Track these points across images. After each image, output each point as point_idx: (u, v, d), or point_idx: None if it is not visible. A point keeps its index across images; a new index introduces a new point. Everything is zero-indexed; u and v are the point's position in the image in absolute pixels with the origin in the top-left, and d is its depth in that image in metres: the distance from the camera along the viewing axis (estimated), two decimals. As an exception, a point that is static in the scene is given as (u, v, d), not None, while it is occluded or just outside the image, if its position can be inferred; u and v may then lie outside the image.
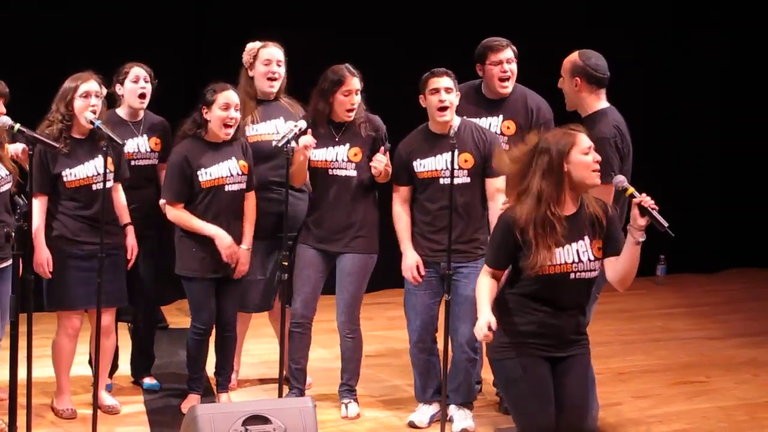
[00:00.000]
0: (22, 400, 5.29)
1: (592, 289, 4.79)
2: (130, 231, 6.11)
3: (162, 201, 6.10)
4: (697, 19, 9.64)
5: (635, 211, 4.56)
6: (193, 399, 6.18)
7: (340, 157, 6.08)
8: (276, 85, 6.35)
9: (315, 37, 8.04)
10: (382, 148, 6.02)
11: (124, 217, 6.12)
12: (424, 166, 5.96)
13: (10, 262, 5.55)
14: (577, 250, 4.63)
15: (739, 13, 9.71)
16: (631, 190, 4.65)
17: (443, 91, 5.84)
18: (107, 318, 5.96)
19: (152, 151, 6.38)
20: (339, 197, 6.09)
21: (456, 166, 5.88)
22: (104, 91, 6.05)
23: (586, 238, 4.65)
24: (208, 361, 6.33)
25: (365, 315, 6.41)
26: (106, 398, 6.21)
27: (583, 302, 4.75)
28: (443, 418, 5.78)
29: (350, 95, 6.03)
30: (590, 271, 4.67)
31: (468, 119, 6.05)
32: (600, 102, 5.57)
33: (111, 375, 6.52)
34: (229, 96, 5.99)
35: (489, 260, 4.77)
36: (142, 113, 6.37)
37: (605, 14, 9.21)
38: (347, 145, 6.08)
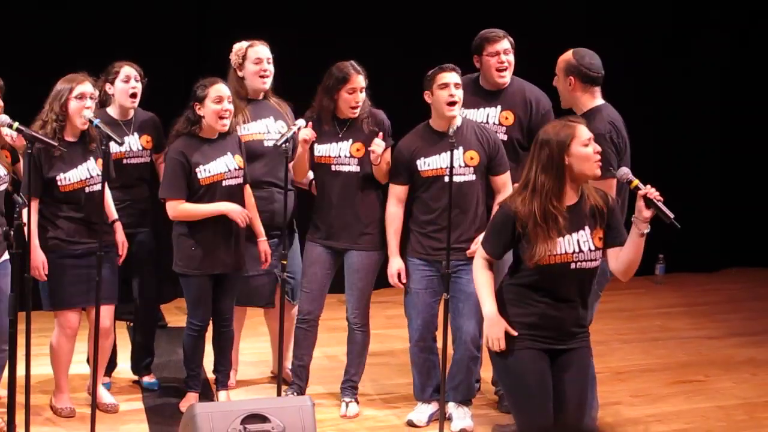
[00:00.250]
0: (20, 398, 5.29)
1: (593, 280, 4.78)
2: (119, 227, 6.11)
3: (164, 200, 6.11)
4: (697, 19, 9.63)
5: (640, 203, 4.57)
6: (191, 397, 6.19)
7: (343, 153, 6.08)
8: (268, 82, 6.36)
9: (315, 37, 8.04)
10: (381, 133, 6.01)
11: (112, 214, 6.12)
12: (428, 164, 5.95)
13: (5, 257, 5.57)
14: (578, 240, 4.64)
15: (739, 13, 9.70)
16: (636, 182, 4.66)
17: (452, 86, 5.85)
18: (105, 316, 5.96)
19: (144, 149, 6.38)
20: (343, 193, 6.09)
21: (462, 164, 5.89)
22: (97, 92, 6.06)
23: (587, 228, 4.66)
24: (207, 360, 6.33)
25: (363, 314, 6.42)
26: (104, 396, 6.21)
27: (584, 294, 4.75)
28: (442, 417, 5.77)
29: (355, 93, 6.03)
30: (591, 261, 4.67)
31: (468, 118, 6.06)
32: (594, 100, 5.57)
33: (110, 373, 6.53)
34: (220, 89, 6.00)
35: (486, 247, 4.77)
36: (132, 112, 6.37)
37: (605, 14, 9.20)
38: (350, 140, 6.09)
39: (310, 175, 6.31)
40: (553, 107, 6.18)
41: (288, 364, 6.41)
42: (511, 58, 6.19)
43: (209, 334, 6.25)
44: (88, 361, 6.44)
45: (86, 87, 5.87)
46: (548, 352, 4.72)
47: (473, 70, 6.24)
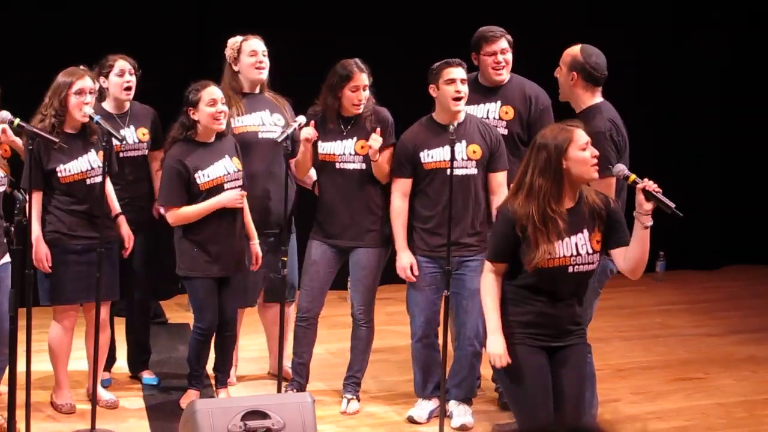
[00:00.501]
0: (21, 394, 5.29)
1: (589, 281, 4.80)
2: (123, 221, 6.12)
3: (161, 209, 6.11)
4: (697, 19, 9.63)
5: (640, 197, 4.58)
6: (192, 394, 6.18)
7: (347, 151, 6.08)
8: (265, 73, 6.36)
9: (315, 36, 8.04)
10: (378, 129, 6.01)
11: (115, 208, 6.12)
12: (432, 156, 5.95)
13: (6, 259, 5.58)
14: (576, 243, 4.66)
15: (739, 13, 9.70)
16: (633, 177, 4.67)
17: (459, 82, 5.86)
18: (102, 312, 5.95)
19: (140, 141, 6.38)
20: (347, 191, 6.09)
21: (465, 157, 5.89)
22: (97, 86, 6.06)
23: (585, 231, 4.68)
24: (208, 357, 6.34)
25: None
26: (104, 393, 6.21)
27: (580, 294, 4.78)
28: (442, 414, 5.78)
29: (358, 91, 6.03)
30: (588, 264, 4.69)
31: (471, 113, 6.06)
32: (594, 98, 5.57)
33: (109, 368, 6.53)
34: (213, 92, 5.99)
35: (490, 255, 4.78)
36: (127, 104, 6.37)
37: (605, 13, 9.20)
38: (354, 138, 6.09)
39: (313, 174, 6.30)
40: (552, 104, 6.18)
41: (287, 362, 6.41)
42: (508, 57, 6.19)
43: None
44: (88, 357, 6.44)
45: (85, 82, 5.87)
46: (546, 349, 4.74)
47: (473, 67, 6.25)
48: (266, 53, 6.37)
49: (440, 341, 5.95)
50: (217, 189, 6.01)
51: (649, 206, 4.58)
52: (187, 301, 7.74)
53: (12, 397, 5.22)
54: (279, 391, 5.94)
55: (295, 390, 6.20)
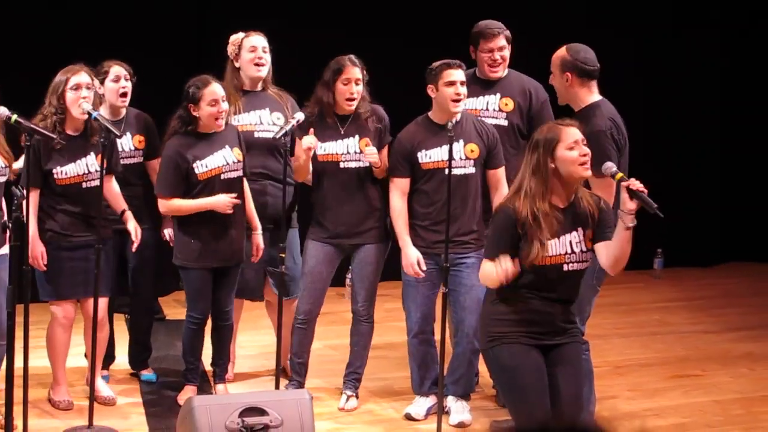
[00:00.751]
0: (18, 391, 5.29)
1: (582, 280, 4.82)
2: (129, 216, 6.09)
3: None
4: (697, 19, 9.63)
5: (624, 195, 4.60)
6: (189, 390, 6.18)
7: (352, 149, 6.07)
8: (263, 70, 6.35)
9: (315, 36, 8.03)
10: (367, 139, 6.03)
11: (120, 204, 6.10)
12: (429, 156, 5.95)
13: (5, 251, 5.57)
14: (570, 242, 4.69)
15: (739, 13, 9.70)
16: (621, 174, 4.68)
17: (459, 84, 5.86)
18: (101, 309, 5.95)
19: (136, 149, 6.37)
20: (351, 189, 6.08)
21: (463, 156, 5.89)
22: (96, 82, 6.05)
23: (580, 230, 4.72)
24: (205, 353, 6.33)
25: (361, 308, 6.42)
26: (102, 389, 6.21)
27: (574, 292, 4.81)
28: (440, 411, 5.78)
29: (350, 84, 6.02)
30: (583, 262, 4.74)
31: (467, 111, 6.06)
32: (592, 95, 5.57)
33: (108, 366, 6.53)
34: (215, 90, 5.98)
35: (490, 253, 4.77)
36: (123, 111, 6.35)
37: (605, 14, 9.20)
38: (356, 136, 6.08)
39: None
40: (549, 101, 6.19)
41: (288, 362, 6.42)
42: (506, 53, 6.21)
43: (208, 327, 6.25)
44: (86, 355, 6.44)
45: (81, 77, 5.87)
46: (541, 348, 4.75)
47: (472, 62, 6.25)
48: (267, 50, 6.36)
49: (437, 337, 5.95)
50: (214, 179, 6.01)
51: (632, 205, 4.59)
52: (185, 297, 7.75)
53: (9, 394, 5.22)
54: (277, 387, 5.94)
55: (294, 388, 6.19)
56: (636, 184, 4.60)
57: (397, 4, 8.68)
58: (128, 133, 6.33)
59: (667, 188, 9.57)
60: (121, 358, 6.68)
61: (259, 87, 6.41)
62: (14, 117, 5.48)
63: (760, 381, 6.89)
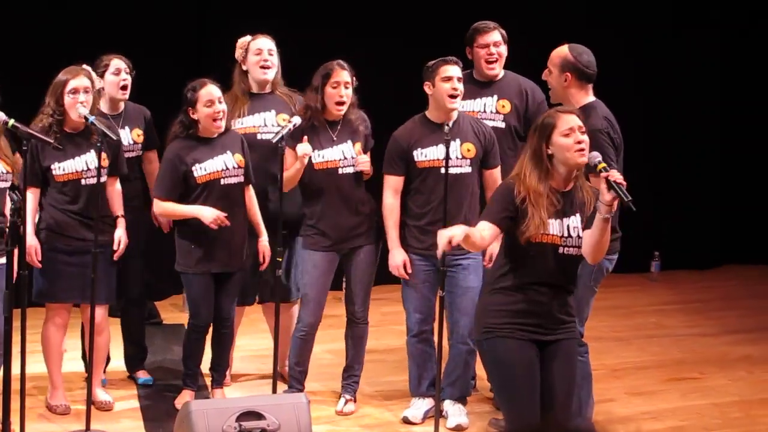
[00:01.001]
0: (15, 395, 5.28)
1: (578, 266, 4.80)
2: (121, 223, 6.08)
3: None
4: (696, 19, 9.64)
5: (603, 186, 4.62)
6: (187, 395, 6.18)
7: (349, 155, 6.08)
8: (269, 73, 6.35)
9: (316, 37, 8.03)
10: (360, 149, 6.07)
11: (117, 209, 6.10)
12: (425, 155, 5.95)
13: (4, 260, 5.57)
14: (568, 226, 4.72)
15: (739, 13, 9.71)
16: (603, 165, 4.69)
17: (455, 80, 5.86)
18: (99, 314, 5.95)
19: (135, 143, 6.38)
20: (348, 194, 6.09)
21: (459, 155, 5.90)
22: (97, 83, 6.05)
23: (578, 215, 4.72)
24: (204, 356, 6.32)
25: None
26: (99, 393, 6.19)
27: (570, 280, 4.79)
28: (437, 414, 5.77)
29: (338, 87, 6.02)
30: (578, 247, 4.74)
31: (464, 111, 6.07)
32: (588, 96, 5.57)
33: (104, 369, 6.51)
34: (211, 91, 5.98)
35: (488, 215, 4.77)
36: (122, 105, 6.37)
37: (605, 13, 9.21)
38: (349, 141, 6.09)
39: None
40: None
41: (286, 366, 6.42)
42: (502, 50, 6.22)
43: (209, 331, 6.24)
44: (83, 358, 6.43)
45: (79, 81, 5.87)
46: (536, 343, 4.74)
47: (468, 64, 6.25)
48: (273, 52, 6.36)
49: (436, 338, 5.94)
50: (213, 183, 6.00)
51: (609, 196, 4.60)
52: (182, 302, 7.75)
53: (6, 398, 5.20)
54: (274, 391, 5.94)
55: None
56: (614, 176, 4.61)
57: (397, 5, 8.68)
58: (127, 128, 6.35)
59: (666, 190, 9.62)
60: (117, 363, 6.67)
61: (267, 89, 6.40)
62: (11, 122, 5.48)
63: (758, 384, 6.89)
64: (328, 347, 7.10)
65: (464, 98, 6.06)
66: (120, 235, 6.06)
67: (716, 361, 7.32)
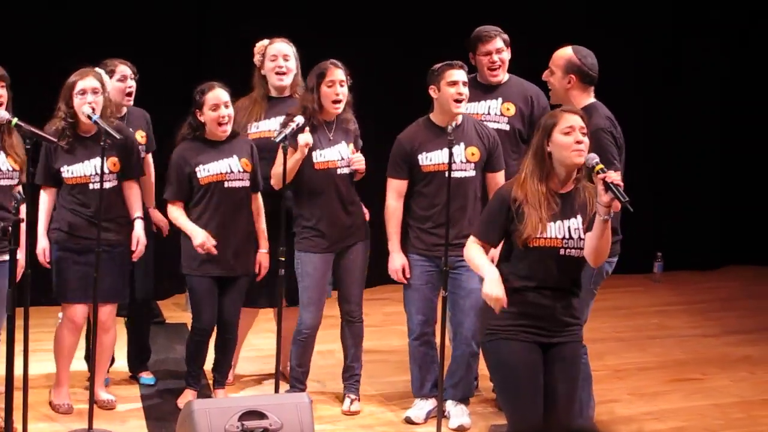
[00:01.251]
0: (18, 394, 5.28)
1: (582, 268, 4.80)
2: (138, 224, 6.08)
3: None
4: (697, 19, 9.64)
5: (600, 187, 4.61)
6: (189, 394, 6.18)
7: (345, 155, 6.08)
8: (285, 79, 6.35)
9: (316, 37, 8.02)
10: (356, 150, 6.09)
11: (135, 211, 6.09)
12: (430, 159, 5.95)
13: (7, 257, 5.56)
14: (569, 227, 4.71)
15: (739, 14, 9.71)
16: (600, 166, 4.69)
17: (461, 84, 5.86)
18: (105, 313, 5.96)
19: (139, 144, 6.38)
20: (344, 194, 6.09)
21: (464, 159, 5.90)
22: (107, 84, 6.05)
23: (579, 217, 4.72)
24: (207, 358, 6.33)
25: (361, 311, 6.42)
26: (101, 393, 6.20)
27: (574, 283, 4.78)
28: (439, 414, 5.78)
29: (334, 86, 6.01)
30: (579, 249, 4.72)
31: (468, 114, 6.06)
32: (589, 98, 5.58)
33: (107, 369, 6.51)
34: (217, 95, 5.98)
35: (479, 233, 4.79)
36: (125, 109, 6.37)
37: (605, 14, 9.21)
38: (343, 142, 6.09)
39: None
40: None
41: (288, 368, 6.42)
42: (504, 56, 6.21)
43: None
44: (86, 358, 6.43)
45: (87, 82, 5.87)
46: (540, 345, 4.74)
47: (472, 67, 6.26)
48: (288, 57, 6.34)
49: (437, 340, 5.95)
50: (217, 185, 6.00)
51: (606, 198, 4.59)
52: (184, 301, 7.76)
53: (9, 397, 5.21)
54: (276, 391, 5.94)
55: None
56: (612, 177, 4.61)
57: (397, 6, 8.68)
58: (130, 130, 6.35)
59: (667, 190, 9.62)
60: (121, 362, 6.68)
61: (286, 93, 6.40)
62: (14, 120, 5.50)
63: (760, 385, 6.89)
64: (328, 347, 7.09)
65: (469, 101, 6.06)
66: (139, 235, 6.06)
67: (718, 362, 7.32)
